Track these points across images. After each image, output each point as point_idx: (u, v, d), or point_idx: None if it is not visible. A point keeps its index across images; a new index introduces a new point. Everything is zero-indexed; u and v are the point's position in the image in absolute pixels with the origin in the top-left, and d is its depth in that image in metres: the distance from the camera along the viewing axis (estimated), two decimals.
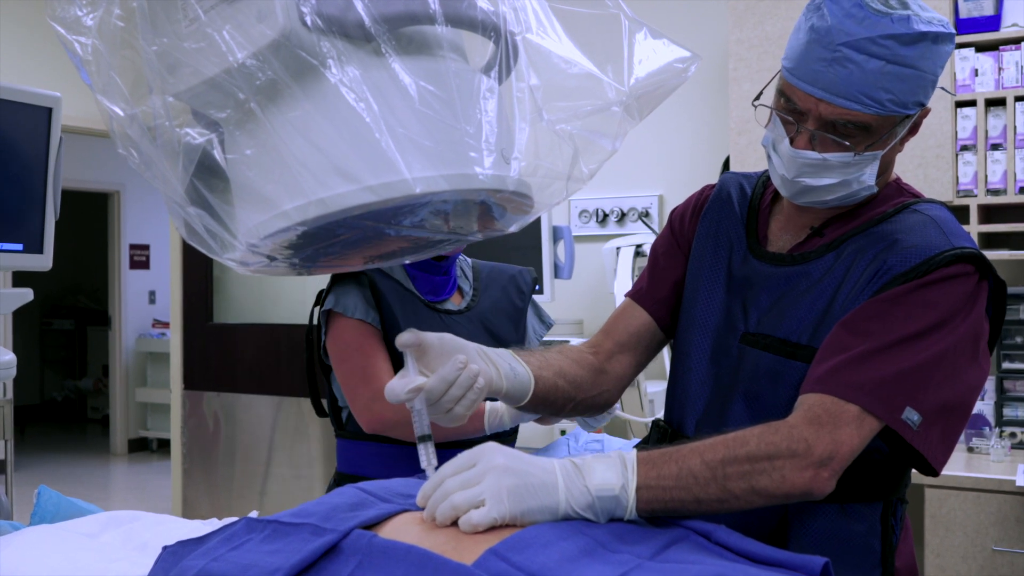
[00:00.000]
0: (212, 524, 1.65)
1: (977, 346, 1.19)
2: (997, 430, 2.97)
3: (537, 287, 2.19)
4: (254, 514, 1.36)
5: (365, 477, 1.81)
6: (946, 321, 1.16)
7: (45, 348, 9.84)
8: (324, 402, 2.03)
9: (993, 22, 3.04)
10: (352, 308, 1.85)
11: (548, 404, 1.31)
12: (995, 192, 2.99)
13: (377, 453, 1.90)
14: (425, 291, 1.93)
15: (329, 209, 0.97)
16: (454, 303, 1.98)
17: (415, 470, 1.14)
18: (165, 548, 1.09)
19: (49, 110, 1.77)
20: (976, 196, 2.99)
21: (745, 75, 3.32)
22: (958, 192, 3.02)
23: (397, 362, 1.86)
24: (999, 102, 2.99)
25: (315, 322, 1.97)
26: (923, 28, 1.15)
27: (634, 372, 1.44)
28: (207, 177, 1.04)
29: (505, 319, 2.01)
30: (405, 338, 1.14)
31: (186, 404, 4.48)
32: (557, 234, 3.54)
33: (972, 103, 3.01)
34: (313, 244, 1.07)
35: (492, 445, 1.07)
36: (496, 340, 1.94)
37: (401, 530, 1.03)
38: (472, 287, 2.02)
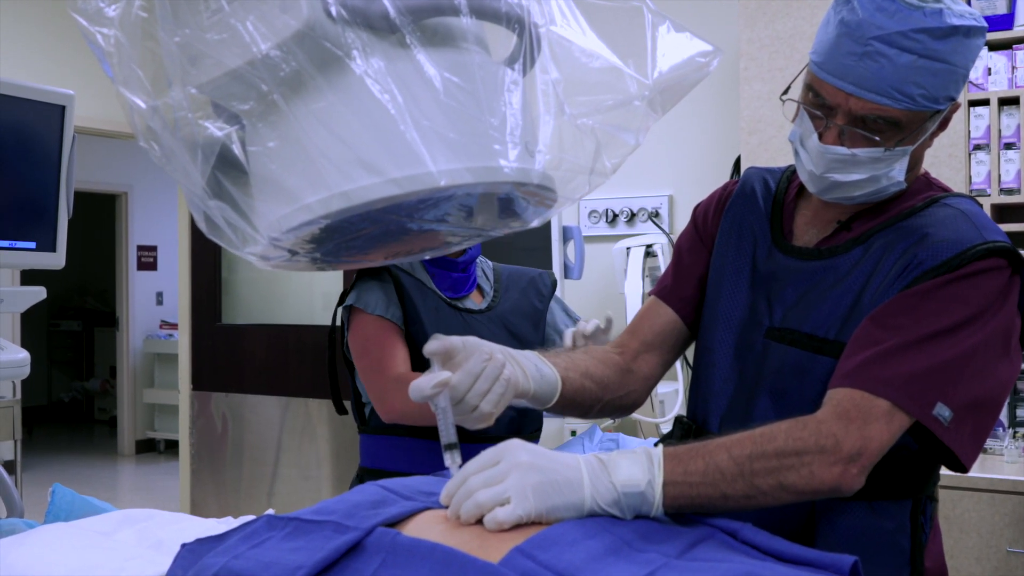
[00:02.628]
0: (227, 523, 1.64)
1: (1009, 341, 1.17)
2: (1011, 431, 2.95)
3: None
4: (271, 512, 1.35)
5: (389, 472, 1.82)
6: (978, 316, 1.14)
7: (52, 349, 9.85)
8: (348, 402, 2.05)
9: (1006, 20, 3.02)
10: (373, 304, 1.88)
11: (575, 405, 1.30)
12: (1009, 191, 2.97)
13: (400, 447, 1.91)
14: (444, 288, 1.95)
15: (352, 202, 0.96)
16: (475, 302, 2.00)
17: (439, 464, 1.13)
18: (184, 546, 1.07)
19: (63, 108, 1.76)
20: (989, 196, 2.98)
21: (756, 74, 3.30)
22: (971, 192, 3.00)
23: (417, 359, 1.87)
24: (1013, 101, 2.97)
25: (338, 323, 1.99)
26: (955, 22, 1.13)
27: (661, 371, 1.43)
28: (228, 170, 1.03)
29: (525, 320, 2.02)
30: (432, 346, 1.13)
31: (194, 405, 4.47)
32: (567, 234, 3.53)
33: (985, 102, 2.99)
34: (335, 238, 1.06)
35: (516, 442, 1.05)
36: (516, 340, 1.96)
37: (425, 528, 1.02)
38: (493, 288, 2.04)
